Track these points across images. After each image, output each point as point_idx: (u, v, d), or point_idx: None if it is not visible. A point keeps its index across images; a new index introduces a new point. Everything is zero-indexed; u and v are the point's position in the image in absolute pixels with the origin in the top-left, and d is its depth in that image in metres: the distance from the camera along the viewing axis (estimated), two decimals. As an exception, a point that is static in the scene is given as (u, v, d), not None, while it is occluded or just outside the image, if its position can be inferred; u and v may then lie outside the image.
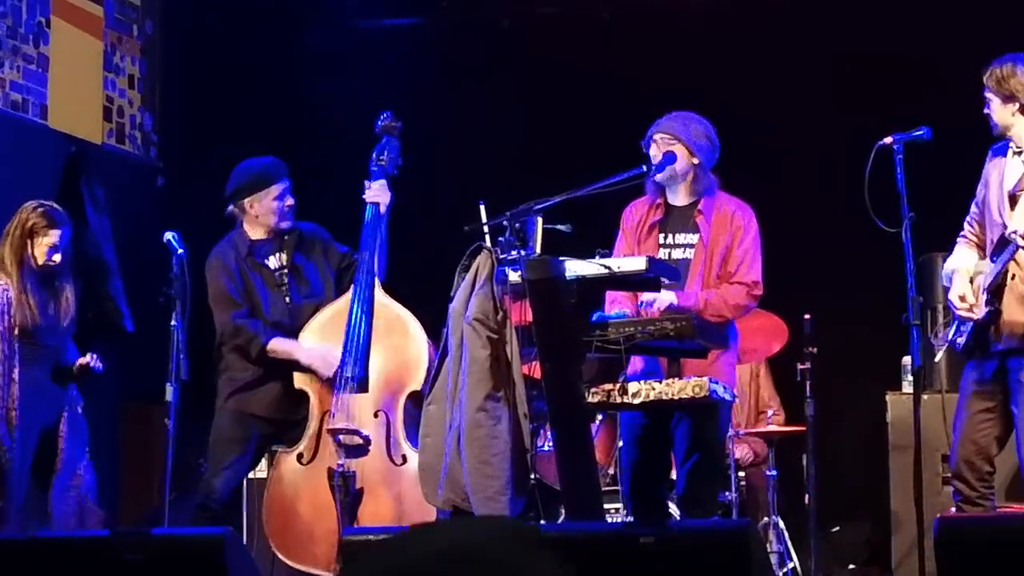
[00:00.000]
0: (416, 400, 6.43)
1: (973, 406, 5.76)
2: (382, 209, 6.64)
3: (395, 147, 6.78)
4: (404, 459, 6.36)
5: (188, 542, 4.70)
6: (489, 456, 5.43)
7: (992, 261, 5.68)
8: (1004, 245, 5.62)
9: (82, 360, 6.67)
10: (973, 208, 5.92)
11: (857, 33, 8.63)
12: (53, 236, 6.55)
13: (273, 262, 6.68)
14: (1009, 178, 5.75)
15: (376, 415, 6.41)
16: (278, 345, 6.52)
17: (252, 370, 6.58)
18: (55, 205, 6.69)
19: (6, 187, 7.48)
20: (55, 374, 6.63)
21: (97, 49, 8.63)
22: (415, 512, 6.21)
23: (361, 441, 6.34)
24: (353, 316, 6.45)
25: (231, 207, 6.70)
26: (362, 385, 6.42)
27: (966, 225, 5.95)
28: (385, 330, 6.51)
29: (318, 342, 6.52)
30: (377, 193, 6.66)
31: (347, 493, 6.27)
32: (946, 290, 5.92)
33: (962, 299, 5.74)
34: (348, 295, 6.52)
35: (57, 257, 6.56)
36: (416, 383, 6.43)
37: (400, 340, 6.51)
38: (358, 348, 6.42)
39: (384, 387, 6.45)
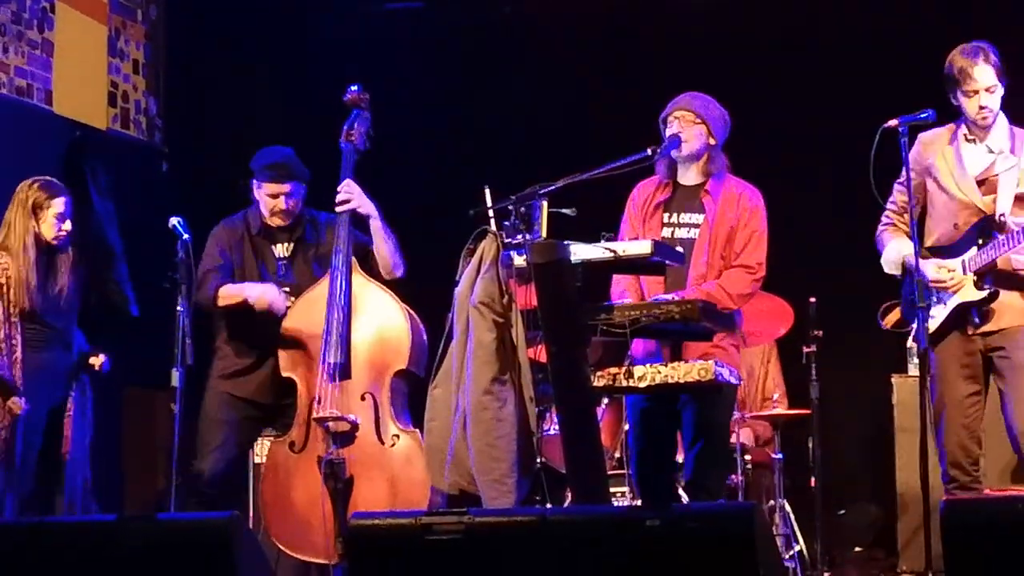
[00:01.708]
0: (404, 377, 6.45)
1: (959, 390, 5.72)
2: (364, 212, 6.58)
3: (365, 120, 6.71)
4: (395, 439, 6.34)
5: (194, 527, 4.70)
6: (495, 439, 5.43)
7: (977, 246, 5.67)
8: (991, 227, 5.62)
9: (92, 360, 6.69)
10: (900, 196, 5.86)
11: (863, 15, 8.62)
12: (58, 205, 6.55)
13: (279, 250, 6.69)
14: (972, 164, 5.74)
15: (363, 398, 6.37)
16: (226, 290, 6.51)
17: (246, 357, 6.59)
18: (50, 177, 6.68)
19: (11, 172, 7.46)
20: (63, 358, 6.64)
21: (101, 34, 8.62)
22: (409, 492, 6.22)
23: (349, 426, 6.32)
24: (331, 302, 6.41)
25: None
26: (345, 372, 6.39)
27: (893, 215, 5.91)
28: (366, 312, 6.47)
29: (297, 327, 6.50)
30: (348, 200, 6.58)
31: (338, 480, 6.26)
32: (897, 278, 5.88)
33: (946, 274, 5.71)
34: (325, 281, 6.49)
35: (67, 225, 6.56)
36: (401, 362, 6.41)
37: (381, 320, 6.46)
38: (339, 334, 6.38)
39: (369, 369, 6.41)
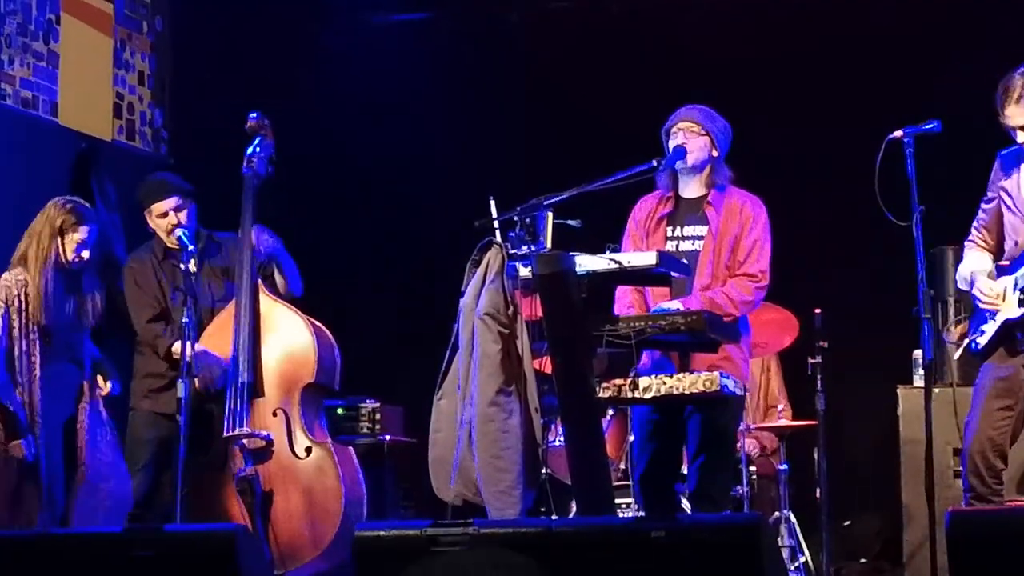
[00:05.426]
0: (315, 391, 6.62)
1: (992, 403, 5.76)
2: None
3: (268, 146, 6.81)
4: (308, 451, 6.49)
5: (200, 539, 4.70)
6: (500, 450, 5.43)
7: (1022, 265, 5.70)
8: None
9: (101, 385, 6.70)
10: (982, 214, 5.94)
11: (868, 25, 8.62)
12: (82, 232, 6.56)
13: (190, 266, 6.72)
14: None
15: (275, 414, 6.53)
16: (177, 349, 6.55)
17: (168, 374, 6.65)
18: (82, 201, 6.71)
19: (17, 184, 7.49)
20: (72, 372, 6.63)
21: (107, 46, 8.63)
22: (324, 501, 6.40)
23: (264, 443, 6.46)
24: (237, 323, 6.53)
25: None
26: (254, 390, 6.51)
27: (974, 231, 6.00)
28: (272, 330, 6.62)
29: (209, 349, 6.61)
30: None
31: (254, 495, 6.39)
32: (964, 292, 5.94)
33: (987, 292, 5.75)
34: (232, 303, 6.61)
35: (86, 253, 6.55)
36: (309, 376, 6.58)
37: (287, 337, 6.62)
38: (246, 353, 6.50)
39: (279, 386, 6.57)
